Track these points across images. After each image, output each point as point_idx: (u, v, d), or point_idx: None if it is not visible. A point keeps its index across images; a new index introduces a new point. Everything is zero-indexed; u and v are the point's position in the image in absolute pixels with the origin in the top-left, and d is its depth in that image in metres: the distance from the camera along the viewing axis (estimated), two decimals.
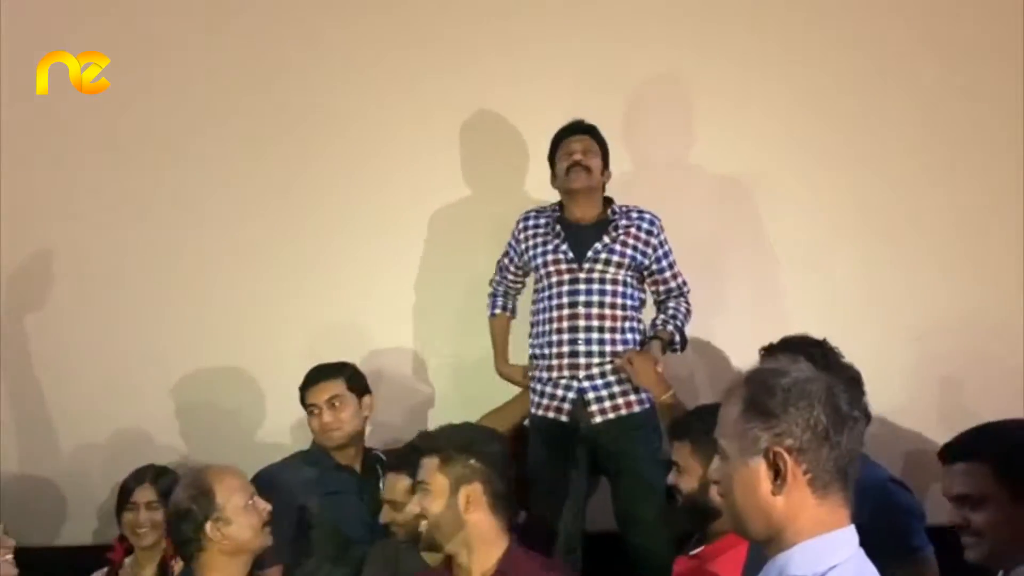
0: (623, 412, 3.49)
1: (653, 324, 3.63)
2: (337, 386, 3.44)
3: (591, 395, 3.49)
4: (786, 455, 1.52)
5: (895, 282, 4.05)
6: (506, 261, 3.79)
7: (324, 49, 4.26)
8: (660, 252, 3.66)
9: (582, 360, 3.51)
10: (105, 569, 3.36)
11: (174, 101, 4.22)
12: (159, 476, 3.35)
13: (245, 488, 2.59)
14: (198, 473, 2.59)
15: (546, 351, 3.56)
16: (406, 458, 2.89)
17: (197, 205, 4.21)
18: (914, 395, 3.83)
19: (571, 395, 3.50)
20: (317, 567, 3.25)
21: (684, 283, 3.70)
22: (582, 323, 3.53)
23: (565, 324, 3.53)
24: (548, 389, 3.54)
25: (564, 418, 3.49)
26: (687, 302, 3.69)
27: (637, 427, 3.47)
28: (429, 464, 2.47)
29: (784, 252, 4.15)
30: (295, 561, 3.22)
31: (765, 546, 1.57)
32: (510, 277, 3.80)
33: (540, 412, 3.55)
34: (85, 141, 4.20)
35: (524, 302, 3.83)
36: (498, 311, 3.82)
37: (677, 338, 3.60)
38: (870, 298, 3.97)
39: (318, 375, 3.46)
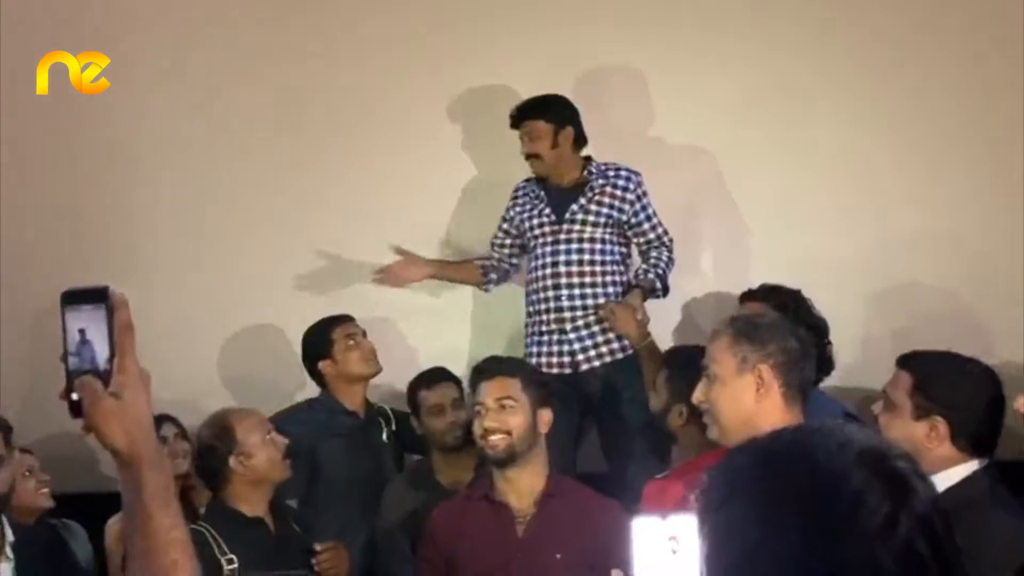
0: (607, 359, 3.75)
1: (636, 273, 3.84)
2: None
3: (577, 345, 3.76)
4: (769, 369, 2.09)
5: (858, 245, 4.12)
6: (500, 235, 3.96)
7: (324, 44, 4.29)
8: (638, 206, 3.84)
9: (567, 314, 3.76)
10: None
11: (174, 101, 4.23)
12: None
13: (263, 425, 2.84)
14: (218, 414, 2.87)
15: (536, 307, 3.81)
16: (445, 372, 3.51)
17: (197, 205, 4.26)
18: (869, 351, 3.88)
19: (565, 348, 3.76)
20: (333, 513, 3.39)
21: (665, 233, 3.88)
22: (564, 280, 3.78)
23: (549, 282, 3.79)
24: (542, 348, 3.79)
25: (555, 370, 3.74)
26: (669, 251, 3.87)
27: (620, 372, 3.71)
28: (512, 384, 2.78)
29: (751, 217, 4.24)
30: (310, 499, 3.40)
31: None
32: (506, 251, 3.98)
33: (539, 368, 3.70)
34: (85, 141, 4.22)
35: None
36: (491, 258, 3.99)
37: (658, 285, 3.80)
38: (832, 261, 4.02)
39: (345, 316, 3.72)
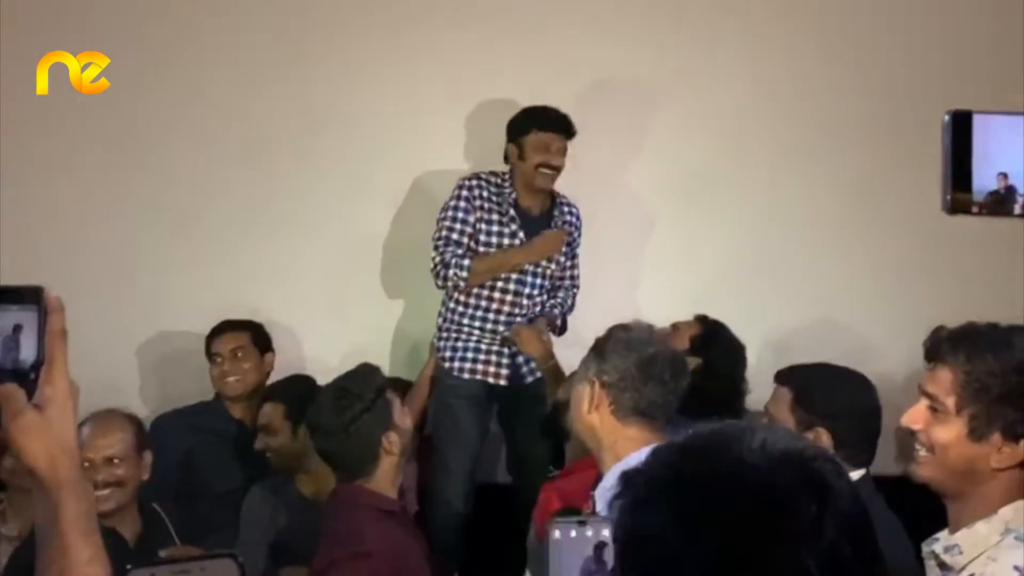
0: (538, 375, 3.81)
1: (542, 305, 3.87)
2: (241, 338, 3.68)
3: (521, 358, 3.84)
4: (599, 386, 2.14)
5: (761, 280, 4.22)
6: (465, 239, 3.75)
7: (325, 50, 4.32)
8: (575, 244, 3.94)
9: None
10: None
11: (174, 101, 4.24)
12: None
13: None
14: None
15: (484, 324, 3.80)
16: (281, 389, 3.37)
17: (198, 204, 4.29)
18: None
19: (505, 360, 3.82)
20: (206, 508, 3.36)
21: (577, 276, 3.98)
22: (526, 311, 3.83)
23: (506, 308, 3.80)
24: (481, 356, 3.81)
25: (502, 382, 3.81)
26: (574, 296, 3.97)
27: (543, 389, 3.74)
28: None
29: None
30: (184, 499, 3.34)
31: (597, 460, 2.16)
32: (460, 252, 3.75)
33: (477, 376, 3.81)
34: (85, 141, 4.23)
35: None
36: (467, 261, 3.75)
37: (559, 323, 3.90)
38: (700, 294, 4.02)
39: (225, 326, 3.71)
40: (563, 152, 3.71)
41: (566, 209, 3.90)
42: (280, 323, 4.09)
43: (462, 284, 3.75)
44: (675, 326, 3.19)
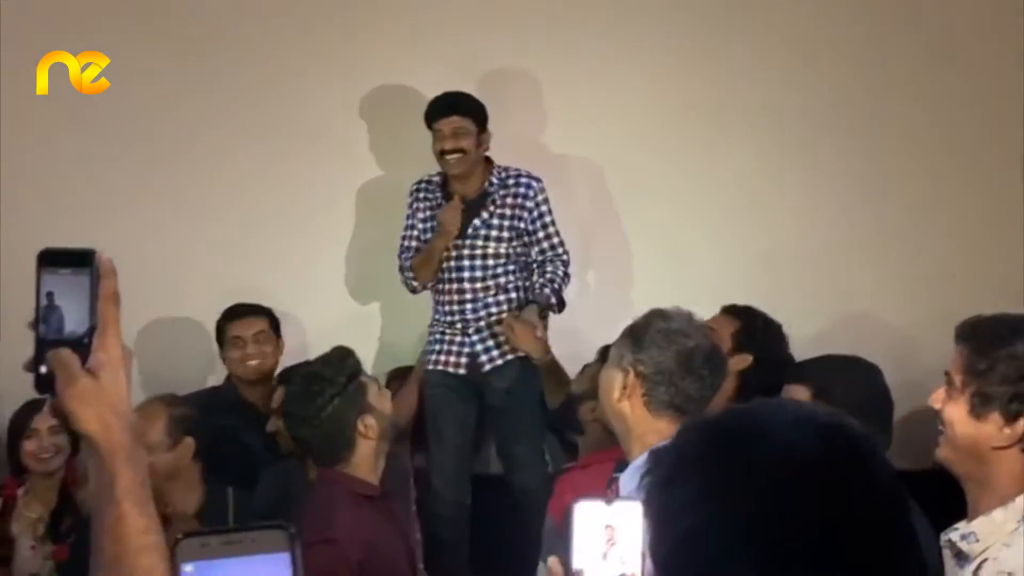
0: (509, 357, 3.83)
1: (531, 287, 3.87)
2: (262, 322, 3.74)
3: (480, 347, 3.85)
4: (633, 375, 2.06)
5: (750, 277, 4.25)
6: (412, 235, 3.92)
7: (326, 51, 4.32)
8: (535, 213, 3.84)
9: (471, 321, 3.85)
10: None
11: (174, 100, 4.25)
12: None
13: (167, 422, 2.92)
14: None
15: (443, 317, 3.89)
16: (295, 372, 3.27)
17: (197, 205, 4.32)
18: None
19: (464, 349, 3.85)
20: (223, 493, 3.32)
21: (562, 244, 3.89)
22: (468, 296, 3.85)
23: (455, 296, 3.86)
24: (444, 347, 3.87)
25: (461, 371, 3.85)
26: (565, 266, 3.88)
27: (520, 373, 3.81)
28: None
29: (638, 234, 4.37)
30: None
31: (623, 445, 2.11)
32: (416, 250, 3.92)
33: (439, 367, 3.87)
34: (85, 141, 4.24)
35: None
36: (408, 263, 3.94)
37: (553, 300, 3.83)
38: (714, 284, 4.09)
39: (244, 309, 3.76)
40: (459, 132, 3.70)
41: (511, 182, 3.83)
42: (288, 311, 4.12)
43: (416, 284, 3.92)
44: (711, 328, 3.16)
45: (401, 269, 3.92)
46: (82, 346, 1.06)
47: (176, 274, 4.23)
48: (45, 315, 1.07)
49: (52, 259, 1.09)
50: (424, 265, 3.85)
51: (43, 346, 1.07)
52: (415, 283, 3.91)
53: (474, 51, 4.25)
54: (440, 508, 3.81)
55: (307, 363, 3.40)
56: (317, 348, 3.96)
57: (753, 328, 3.07)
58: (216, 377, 4.08)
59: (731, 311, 3.15)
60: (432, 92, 3.93)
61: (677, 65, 4.34)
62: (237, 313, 3.78)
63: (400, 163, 4.31)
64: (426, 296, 4.08)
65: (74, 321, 1.07)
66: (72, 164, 4.24)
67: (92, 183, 4.27)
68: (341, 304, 4.38)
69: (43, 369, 1.07)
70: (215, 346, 3.96)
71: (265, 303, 4.00)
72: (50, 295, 1.07)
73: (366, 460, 2.56)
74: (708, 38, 4.33)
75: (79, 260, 1.08)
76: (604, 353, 3.08)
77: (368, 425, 2.53)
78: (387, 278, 4.20)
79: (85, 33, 4.13)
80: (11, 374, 3.94)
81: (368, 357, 3.92)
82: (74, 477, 3.30)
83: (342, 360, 2.62)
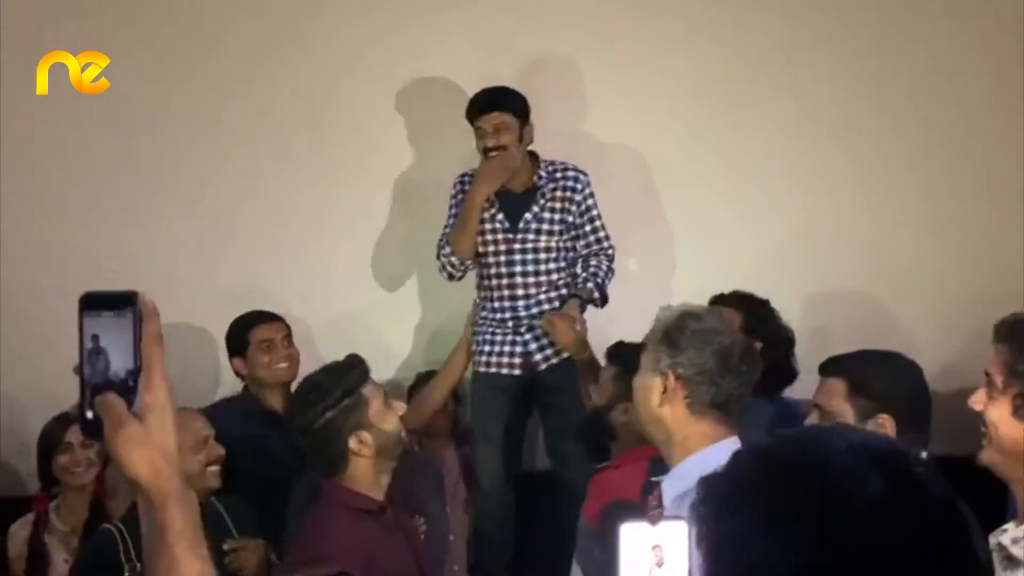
0: (564, 355, 3.76)
1: (574, 281, 3.82)
2: (285, 327, 3.70)
3: (533, 346, 3.81)
4: (673, 378, 2.01)
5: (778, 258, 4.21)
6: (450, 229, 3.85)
7: (327, 48, 4.29)
8: (583, 207, 3.83)
9: (524, 321, 3.81)
10: (31, 516, 3.35)
11: (174, 100, 4.24)
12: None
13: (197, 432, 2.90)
14: None
15: (492, 315, 3.83)
16: None
17: (198, 205, 4.28)
18: None
19: (517, 349, 3.81)
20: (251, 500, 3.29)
21: (607, 238, 3.87)
22: (520, 291, 3.81)
23: (506, 292, 3.81)
24: (495, 348, 3.82)
25: (516, 371, 3.81)
26: (609, 260, 3.87)
27: (569, 372, 3.73)
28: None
29: (677, 221, 4.35)
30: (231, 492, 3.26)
31: (662, 451, 2.05)
32: None
33: (491, 369, 3.82)
34: (85, 141, 4.21)
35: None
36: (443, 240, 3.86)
37: (596, 295, 3.79)
38: (752, 273, 3.94)
39: (266, 315, 3.71)
40: (500, 128, 3.68)
41: (559, 176, 3.82)
42: (302, 318, 4.06)
43: (455, 259, 3.80)
44: None
45: (438, 254, 3.82)
46: (128, 389, 1.08)
47: (177, 276, 4.14)
48: (90, 359, 1.08)
49: (94, 302, 1.10)
50: (461, 230, 3.76)
51: (89, 390, 1.08)
52: (453, 258, 3.78)
53: (509, 39, 4.21)
54: (488, 506, 3.82)
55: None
56: (328, 355, 3.86)
57: (756, 314, 3.20)
58: (224, 389, 4.00)
59: (726, 302, 3.24)
60: (467, 83, 3.95)
61: (715, 48, 4.28)
62: (263, 317, 3.71)
63: (428, 162, 4.30)
64: (437, 299, 4.09)
65: (118, 364, 1.08)
66: (72, 164, 4.21)
67: (92, 183, 4.24)
68: (351, 307, 4.30)
69: (90, 414, 1.08)
70: (221, 355, 3.87)
71: (272, 310, 3.88)
72: (95, 338, 1.09)
73: (364, 475, 2.50)
74: (745, 18, 4.27)
75: (121, 302, 1.10)
76: (613, 355, 3.16)
77: (363, 442, 2.47)
78: (403, 280, 4.22)
79: (85, 33, 4.11)
80: (9, 370, 3.87)
81: (379, 363, 3.72)
82: (104, 489, 3.31)
83: (344, 371, 2.54)
